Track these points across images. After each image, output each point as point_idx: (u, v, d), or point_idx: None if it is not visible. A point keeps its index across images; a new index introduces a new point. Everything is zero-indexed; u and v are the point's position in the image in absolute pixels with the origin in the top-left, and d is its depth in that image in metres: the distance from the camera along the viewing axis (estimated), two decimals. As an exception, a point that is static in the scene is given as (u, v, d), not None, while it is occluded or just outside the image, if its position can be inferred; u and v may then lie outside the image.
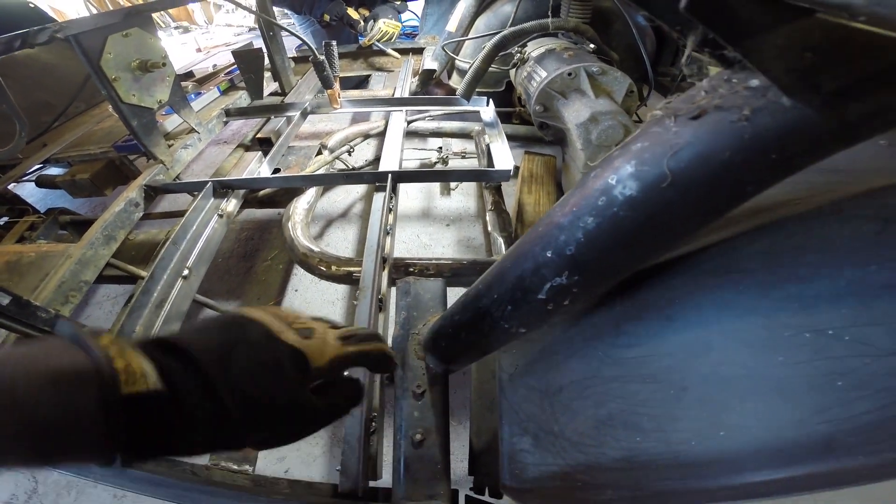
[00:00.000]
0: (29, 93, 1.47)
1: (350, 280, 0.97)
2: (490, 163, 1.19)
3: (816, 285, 0.31)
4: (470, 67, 1.31)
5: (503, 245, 1.13)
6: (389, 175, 0.98)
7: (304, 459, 1.02)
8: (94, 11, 4.73)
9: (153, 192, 1.10)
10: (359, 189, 1.69)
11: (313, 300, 1.32)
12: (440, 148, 1.69)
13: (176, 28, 5.79)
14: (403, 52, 1.96)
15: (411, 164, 1.85)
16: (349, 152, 1.33)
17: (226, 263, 1.41)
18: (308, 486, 0.66)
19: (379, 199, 0.96)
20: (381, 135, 1.37)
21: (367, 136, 1.45)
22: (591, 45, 1.31)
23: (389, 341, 0.70)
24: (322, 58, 1.20)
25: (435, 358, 0.62)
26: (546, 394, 0.49)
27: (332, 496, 0.60)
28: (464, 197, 1.68)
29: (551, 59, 1.20)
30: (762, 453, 0.29)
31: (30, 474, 1.06)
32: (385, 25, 1.96)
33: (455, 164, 1.70)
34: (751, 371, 0.32)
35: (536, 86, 1.15)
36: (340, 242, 1.49)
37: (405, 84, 1.61)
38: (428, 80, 1.71)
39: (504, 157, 1.08)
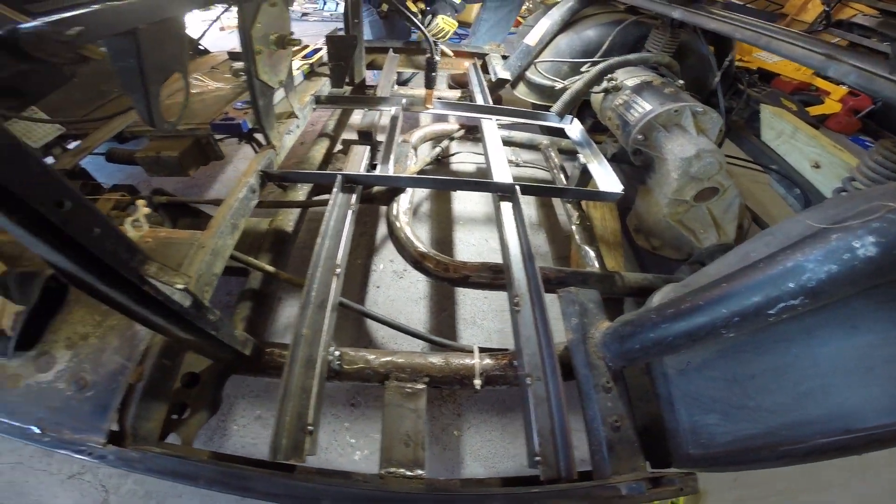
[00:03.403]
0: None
1: (466, 283, 1.19)
2: (582, 181, 1.44)
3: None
4: (570, 87, 1.55)
5: (595, 258, 1.36)
6: (516, 187, 1.19)
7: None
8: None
9: (267, 180, 1.23)
10: (424, 192, 1.90)
11: (397, 298, 1.52)
12: None
13: None
14: (467, 55, 2.16)
15: (468, 168, 2.07)
16: (440, 156, 1.53)
17: (300, 254, 1.56)
18: (479, 482, 0.86)
19: (506, 208, 1.17)
20: (454, 137, 1.60)
21: (450, 137, 1.64)
22: (681, 81, 1.58)
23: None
24: (438, 58, 1.40)
25: (616, 357, 0.84)
26: (734, 381, 0.73)
27: (531, 484, 0.78)
28: (525, 205, 1.89)
29: (651, 93, 1.46)
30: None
31: (98, 484, 1.12)
32: (443, 22, 2.15)
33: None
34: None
35: (640, 116, 1.40)
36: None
37: (483, 90, 1.81)
38: (498, 89, 1.94)
39: (609, 178, 1.32)
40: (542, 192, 1.27)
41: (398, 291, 1.54)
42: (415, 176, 1.26)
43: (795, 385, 0.66)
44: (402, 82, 2.21)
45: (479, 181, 1.21)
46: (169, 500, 1.11)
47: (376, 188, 1.30)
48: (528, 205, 1.93)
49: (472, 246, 1.69)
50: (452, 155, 1.74)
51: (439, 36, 2.19)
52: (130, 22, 0.70)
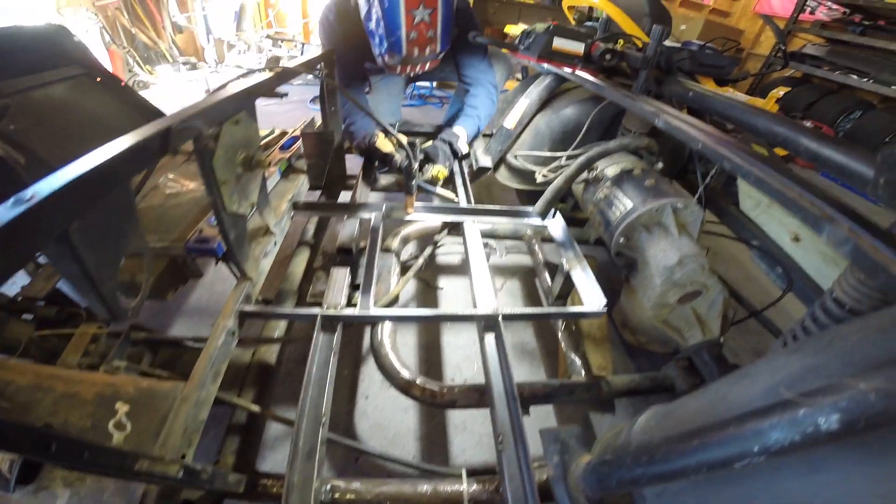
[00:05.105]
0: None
1: (454, 406, 1.21)
2: (566, 286, 1.44)
3: None
4: (551, 184, 1.56)
5: (580, 366, 1.37)
6: (500, 318, 1.21)
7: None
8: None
9: (245, 318, 1.21)
10: (410, 290, 1.93)
11: (385, 407, 1.53)
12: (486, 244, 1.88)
13: (184, 64, 6.11)
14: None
15: (454, 259, 2.08)
16: (424, 265, 1.54)
17: (285, 367, 1.56)
18: None
19: (490, 340, 1.18)
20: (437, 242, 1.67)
21: (433, 242, 1.65)
22: (660, 164, 1.60)
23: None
24: (416, 166, 1.40)
25: (595, 490, 0.87)
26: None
27: None
28: (511, 298, 1.98)
29: (631, 185, 1.49)
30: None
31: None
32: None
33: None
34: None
35: (621, 216, 1.42)
36: (402, 348, 1.66)
37: (466, 189, 1.88)
38: (480, 176, 1.94)
39: (592, 291, 1.34)
40: (526, 317, 1.28)
41: (386, 401, 1.54)
42: (397, 313, 1.29)
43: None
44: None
45: (463, 315, 1.24)
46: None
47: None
48: (516, 296, 1.98)
49: (460, 349, 1.71)
50: (439, 247, 1.73)
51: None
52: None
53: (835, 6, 5.39)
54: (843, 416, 0.52)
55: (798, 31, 5.83)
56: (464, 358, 1.68)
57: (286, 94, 1.20)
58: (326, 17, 1.95)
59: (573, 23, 4.05)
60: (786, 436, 0.56)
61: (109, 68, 4.88)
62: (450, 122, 2.30)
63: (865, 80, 4.88)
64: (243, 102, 1.05)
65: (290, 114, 4.25)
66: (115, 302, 0.85)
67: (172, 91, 5.15)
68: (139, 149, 0.70)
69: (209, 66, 6.15)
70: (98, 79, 1.92)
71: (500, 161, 1.99)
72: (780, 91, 4.06)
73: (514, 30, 3.92)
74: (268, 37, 6.02)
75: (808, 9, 5.60)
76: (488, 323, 1.21)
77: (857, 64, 5.08)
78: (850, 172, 1.07)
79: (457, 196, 1.88)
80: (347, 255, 1.42)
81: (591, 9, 3.96)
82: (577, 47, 1.61)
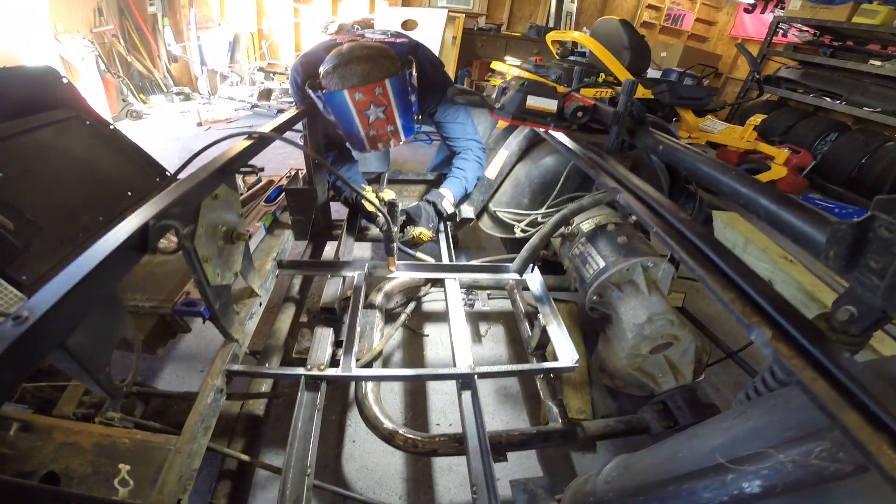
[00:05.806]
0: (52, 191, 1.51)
1: (436, 454, 1.28)
2: (543, 339, 1.49)
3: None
4: (528, 243, 1.65)
5: (558, 414, 1.41)
6: (475, 376, 1.27)
7: None
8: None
9: (233, 376, 1.26)
10: (397, 337, 1.98)
11: (373, 451, 1.58)
12: (468, 290, 1.95)
13: (177, 94, 6.15)
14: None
15: (438, 305, 2.15)
16: (408, 319, 1.59)
17: (274, 412, 1.60)
18: None
19: (466, 396, 1.25)
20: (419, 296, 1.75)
21: (416, 297, 1.71)
22: (633, 217, 1.66)
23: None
24: (396, 228, 1.45)
25: None
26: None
27: None
28: (495, 344, 2.04)
29: (605, 242, 1.55)
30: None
31: None
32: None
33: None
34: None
35: (594, 275, 1.48)
36: (387, 394, 1.73)
37: (448, 245, 1.95)
38: (463, 227, 2.01)
39: (566, 346, 1.40)
40: (500, 374, 1.34)
41: (374, 444, 1.58)
42: (378, 373, 1.35)
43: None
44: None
45: (442, 374, 1.32)
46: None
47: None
48: (500, 342, 2.05)
49: (445, 395, 1.76)
50: (424, 296, 1.79)
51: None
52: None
53: (805, 28, 5.58)
54: (764, 483, 0.64)
55: (772, 55, 6.03)
56: (449, 403, 1.73)
57: (262, 170, 1.23)
58: (294, 80, 1.91)
59: (556, 57, 4.18)
60: (716, 496, 0.68)
61: (104, 97, 5.00)
62: (436, 170, 2.35)
63: (838, 102, 5.04)
64: (220, 178, 1.06)
65: (279, 150, 4.22)
66: (110, 383, 0.89)
67: (165, 122, 5.19)
68: (120, 251, 0.72)
69: (202, 96, 6.22)
70: (87, 122, 1.94)
71: (483, 210, 2.07)
72: (758, 118, 4.19)
73: (500, 66, 4.03)
74: (260, 69, 6.09)
75: (781, 31, 5.80)
76: (465, 381, 1.27)
77: (830, 86, 5.25)
78: (806, 238, 1.13)
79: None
80: (331, 314, 1.46)
81: (574, 42, 4.09)
82: (551, 105, 1.67)
